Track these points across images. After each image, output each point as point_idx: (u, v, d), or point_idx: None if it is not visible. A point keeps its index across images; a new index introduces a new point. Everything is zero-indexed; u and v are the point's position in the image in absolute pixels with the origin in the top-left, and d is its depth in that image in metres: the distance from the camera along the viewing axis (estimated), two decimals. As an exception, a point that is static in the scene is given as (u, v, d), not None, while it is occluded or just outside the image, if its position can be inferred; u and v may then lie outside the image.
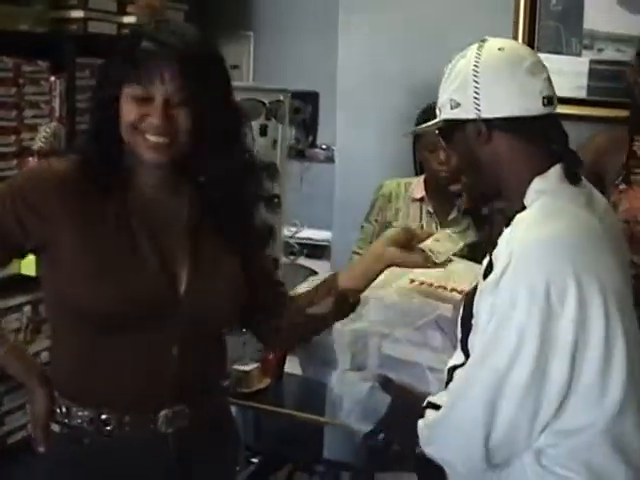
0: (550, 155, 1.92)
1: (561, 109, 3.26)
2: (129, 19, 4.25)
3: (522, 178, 1.89)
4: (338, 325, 2.53)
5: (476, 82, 1.89)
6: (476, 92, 1.89)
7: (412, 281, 2.41)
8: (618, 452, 1.79)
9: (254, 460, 3.03)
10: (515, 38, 3.30)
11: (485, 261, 1.94)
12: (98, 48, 4.20)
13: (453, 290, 2.37)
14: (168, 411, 2.06)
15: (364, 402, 2.36)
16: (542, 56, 3.16)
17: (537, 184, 1.87)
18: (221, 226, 2.12)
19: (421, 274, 2.42)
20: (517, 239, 1.79)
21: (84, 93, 4.22)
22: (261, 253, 2.29)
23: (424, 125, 2.16)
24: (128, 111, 1.98)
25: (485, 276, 1.86)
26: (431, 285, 2.41)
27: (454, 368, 1.94)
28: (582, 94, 3.34)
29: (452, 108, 1.95)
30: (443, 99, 1.99)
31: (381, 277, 2.23)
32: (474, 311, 1.88)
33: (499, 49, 1.94)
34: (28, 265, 3.92)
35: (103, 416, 2.06)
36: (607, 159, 2.82)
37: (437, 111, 2.04)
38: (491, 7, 3.37)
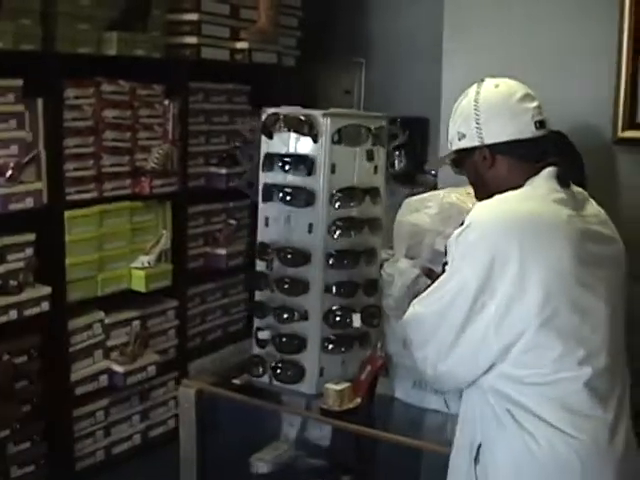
0: (545, 166, 2.17)
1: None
2: (242, 45, 4.37)
3: (517, 182, 2.16)
4: (400, 217, 2.91)
5: (477, 114, 2.20)
6: (477, 122, 2.20)
7: (468, 193, 2.65)
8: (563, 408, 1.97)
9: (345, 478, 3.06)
10: (619, 65, 3.26)
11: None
12: (211, 73, 4.38)
13: None
14: None
15: (410, 286, 2.72)
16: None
17: (528, 183, 2.16)
18: None
19: None
20: (485, 207, 2.11)
21: (196, 116, 4.37)
22: None
23: (440, 157, 2.60)
24: None
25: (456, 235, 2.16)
26: None
27: None
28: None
29: (460, 139, 2.26)
30: (452, 133, 2.30)
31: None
32: (448, 259, 2.16)
33: (495, 86, 2.24)
34: (138, 281, 4.09)
35: None
36: None
37: (448, 144, 2.34)
38: (596, 35, 3.33)
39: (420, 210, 2.87)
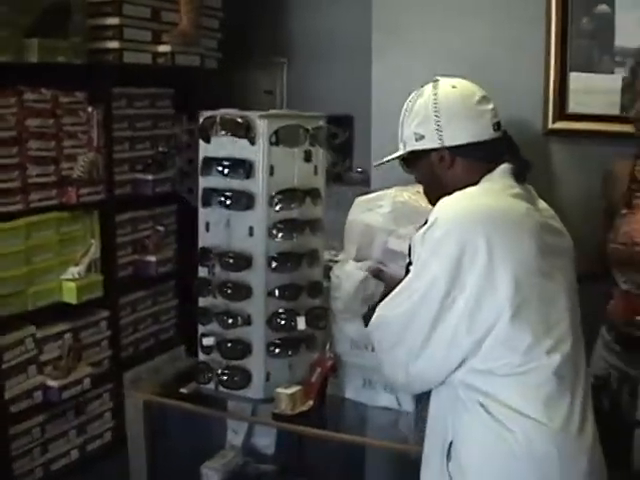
0: (499, 163, 2.22)
1: (594, 126, 3.37)
2: (164, 48, 4.30)
3: (476, 182, 2.19)
4: (352, 216, 2.94)
5: (437, 116, 2.22)
6: (437, 124, 2.22)
7: (418, 191, 2.63)
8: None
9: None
10: (547, 57, 3.30)
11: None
12: (133, 78, 4.30)
13: None
14: None
15: (358, 288, 2.75)
16: (574, 75, 3.35)
17: (483, 181, 2.20)
18: None
19: None
20: (449, 203, 2.10)
21: (120, 122, 4.29)
22: None
23: (390, 157, 2.43)
24: None
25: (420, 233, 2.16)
26: None
27: None
28: (615, 111, 3.33)
29: (417, 140, 2.27)
30: (407, 133, 2.31)
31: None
32: (413, 259, 2.16)
33: (452, 87, 2.27)
34: (69, 293, 4.00)
35: None
36: (618, 186, 2.84)
37: (400, 144, 2.35)
38: (523, 28, 3.38)
39: (373, 210, 2.88)
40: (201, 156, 2.81)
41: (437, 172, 2.26)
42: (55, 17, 3.87)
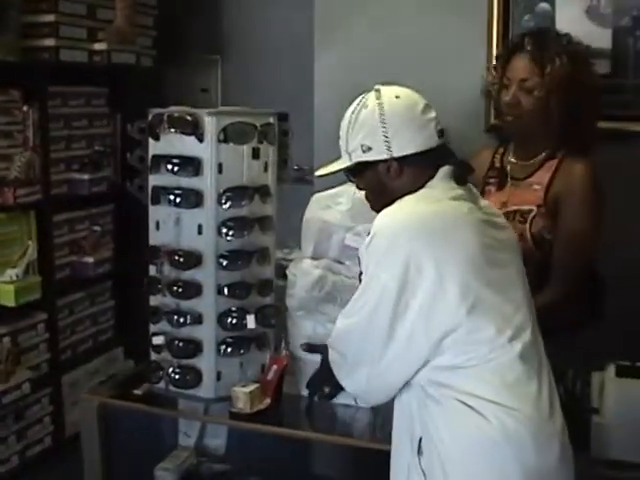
0: (439, 167, 2.22)
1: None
2: (100, 46, 4.25)
3: (417, 187, 2.20)
4: (309, 214, 2.90)
5: (384, 127, 2.19)
6: (385, 135, 2.19)
7: None
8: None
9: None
10: (489, 54, 3.36)
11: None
12: (68, 76, 4.24)
13: None
14: None
15: (314, 286, 2.76)
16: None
17: (426, 186, 2.20)
18: None
19: None
20: (389, 214, 2.12)
21: (56, 122, 4.22)
22: None
23: (335, 168, 2.37)
24: None
25: (365, 247, 2.17)
26: None
27: None
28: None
29: (364, 152, 2.23)
30: (353, 145, 2.25)
31: None
32: (362, 268, 2.18)
33: (396, 97, 2.23)
34: (7, 295, 3.93)
35: None
36: (477, 173, 2.92)
37: (345, 155, 2.30)
38: (465, 24, 3.42)
39: (331, 207, 2.87)
40: (150, 154, 2.78)
41: (384, 181, 2.24)
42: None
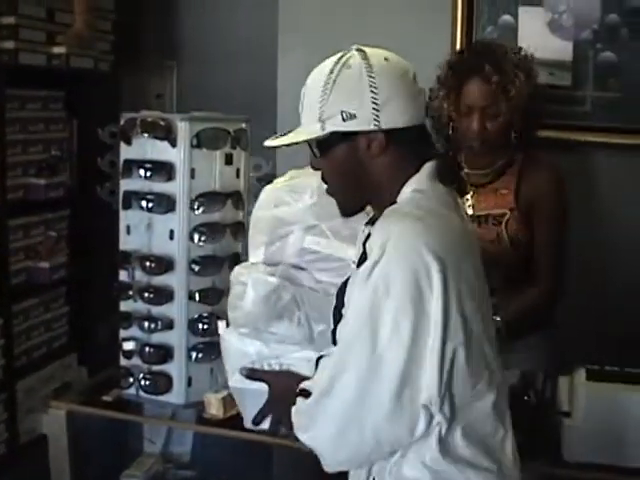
0: (421, 157, 1.92)
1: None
2: (59, 49, 4.20)
3: (398, 181, 1.89)
4: (261, 210, 2.48)
5: (374, 92, 1.84)
6: (375, 103, 1.83)
7: None
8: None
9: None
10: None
11: (359, 252, 1.96)
12: (25, 79, 4.19)
13: None
14: None
15: (267, 298, 2.32)
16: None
17: (410, 185, 1.89)
18: None
19: None
20: (392, 232, 1.77)
21: (13, 125, 4.17)
22: None
23: (299, 138, 1.94)
24: None
25: (359, 264, 1.86)
26: None
27: (322, 357, 1.94)
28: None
29: (345, 120, 1.85)
30: (330, 111, 1.86)
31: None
32: (345, 300, 1.89)
33: (385, 59, 1.90)
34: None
35: None
36: None
37: (314, 123, 1.88)
38: (428, 35, 3.45)
39: (290, 202, 2.45)
40: (122, 158, 2.77)
41: (360, 159, 1.89)
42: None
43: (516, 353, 2.68)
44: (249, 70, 4.42)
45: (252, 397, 2.30)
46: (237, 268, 2.50)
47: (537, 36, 3.39)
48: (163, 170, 2.70)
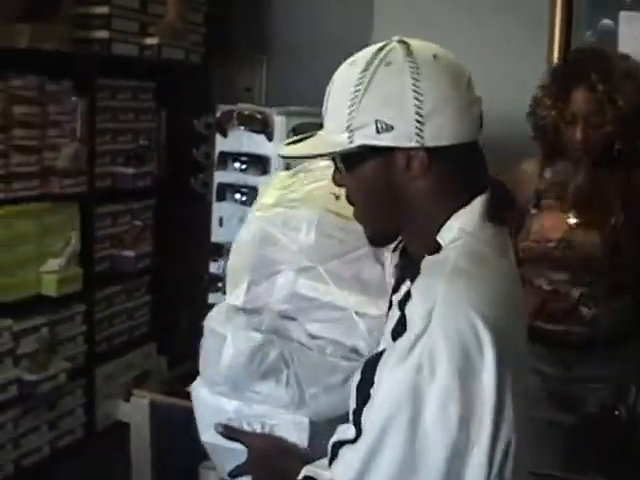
0: (472, 186, 1.56)
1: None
2: (151, 40, 4.24)
3: (441, 213, 1.54)
4: (244, 240, 1.98)
5: (419, 100, 1.47)
6: (419, 114, 1.46)
7: (337, 197, 1.84)
8: None
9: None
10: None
11: (394, 314, 1.55)
12: (117, 69, 4.23)
13: None
14: None
15: (256, 356, 1.82)
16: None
17: (458, 220, 1.53)
18: None
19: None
20: (438, 296, 1.43)
21: (104, 114, 4.21)
22: None
23: (320, 151, 1.62)
24: None
25: (395, 334, 1.49)
26: None
27: (340, 444, 1.55)
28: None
29: (379, 132, 1.48)
30: (361, 119, 1.50)
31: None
32: (375, 378, 1.49)
33: (434, 57, 1.52)
34: (49, 285, 3.92)
35: None
36: (527, 187, 2.94)
37: (341, 132, 1.53)
38: (526, 38, 3.41)
39: (280, 240, 1.90)
40: (217, 150, 2.78)
41: (395, 182, 1.53)
42: (45, 3, 3.78)
43: (610, 362, 2.63)
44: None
45: (229, 454, 1.92)
46: (213, 313, 1.96)
47: (639, 41, 3.31)
48: (259, 163, 2.70)
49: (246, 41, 4.87)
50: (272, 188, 2.02)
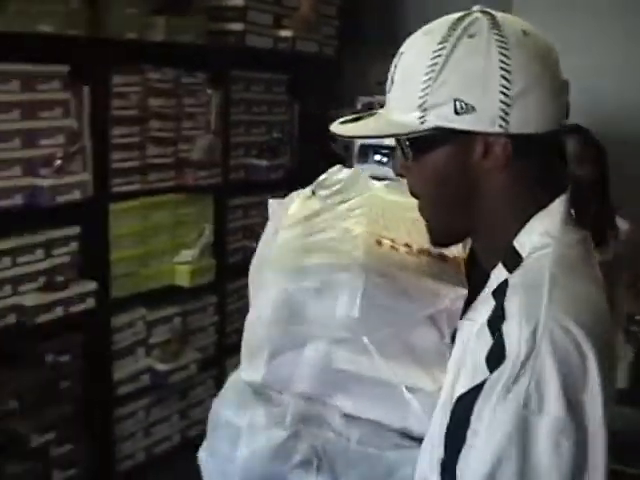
0: (553, 183, 1.36)
1: None
2: (285, 33, 4.23)
3: (522, 212, 1.34)
4: (258, 320, 1.58)
5: (506, 80, 1.26)
6: (506, 96, 1.26)
7: (379, 243, 1.58)
8: None
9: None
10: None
11: (485, 339, 1.25)
12: (250, 61, 4.24)
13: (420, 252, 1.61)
14: None
15: (278, 458, 1.48)
16: None
17: (539, 223, 1.33)
18: None
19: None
20: (540, 315, 1.21)
21: (237, 106, 4.22)
22: None
23: (385, 131, 1.38)
24: None
25: (490, 364, 1.23)
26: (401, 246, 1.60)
27: None
28: None
29: (458, 113, 1.29)
30: (438, 96, 1.30)
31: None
32: (473, 417, 1.21)
33: (524, 33, 1.31)
34: (182, 276, 3.95)
35: None
36: None
37: (411, 110, 1.32)
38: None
39: (311, 311, 1.52)
40: (358, 143, 2.73)
41: (470, 172, 1.33)
42: (181, -5, 3.81)
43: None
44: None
45: None
46: (225, 393, 1.66)
47: None
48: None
49: (378, 34, 4.82)
50: (293, 216, 1.71)
